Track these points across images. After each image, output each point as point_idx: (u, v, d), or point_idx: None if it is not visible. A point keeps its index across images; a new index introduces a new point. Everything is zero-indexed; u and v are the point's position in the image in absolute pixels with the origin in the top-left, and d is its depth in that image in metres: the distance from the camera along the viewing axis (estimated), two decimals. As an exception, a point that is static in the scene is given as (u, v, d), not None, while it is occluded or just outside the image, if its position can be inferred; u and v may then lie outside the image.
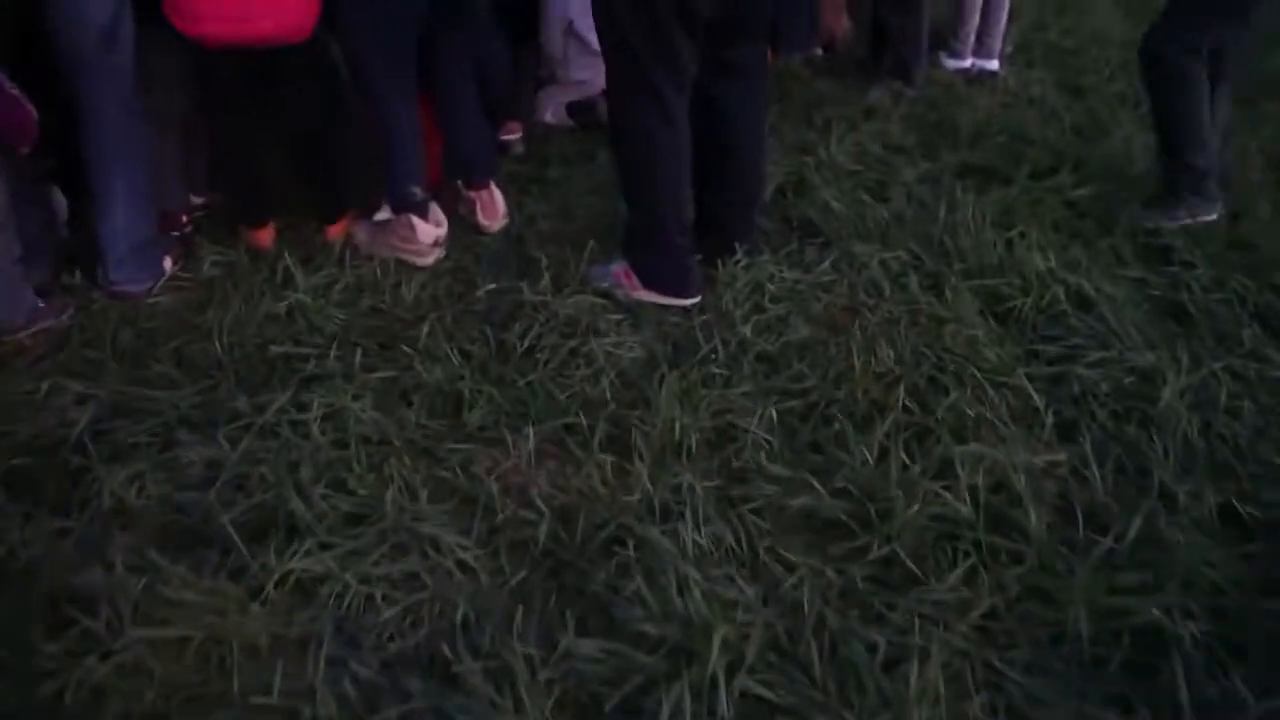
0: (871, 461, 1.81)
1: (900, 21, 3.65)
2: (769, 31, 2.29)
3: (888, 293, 2.40)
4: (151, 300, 2.36)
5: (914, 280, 2.44)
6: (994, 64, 4.08)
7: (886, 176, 3.03)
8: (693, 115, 2.25)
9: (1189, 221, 2.74)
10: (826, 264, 2.48)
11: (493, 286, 2.34)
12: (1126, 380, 2.11)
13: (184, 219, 2.64)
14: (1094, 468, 1.87)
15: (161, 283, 2.41)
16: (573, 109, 3.32)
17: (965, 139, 3.37)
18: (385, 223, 2.51)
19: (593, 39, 2.49)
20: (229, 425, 1.90)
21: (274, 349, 2.17)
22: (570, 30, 3.14)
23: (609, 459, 1.79)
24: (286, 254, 2.40)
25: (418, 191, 2.44)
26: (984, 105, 3.68)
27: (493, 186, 2.65)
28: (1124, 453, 1.92)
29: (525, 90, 3.29)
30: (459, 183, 2.67)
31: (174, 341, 2.22)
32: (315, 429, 1.87)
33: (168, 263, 2.46)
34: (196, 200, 2.72)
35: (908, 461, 1.80)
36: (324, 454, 1.80)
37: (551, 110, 3.34)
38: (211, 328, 2.24)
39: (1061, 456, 1.87)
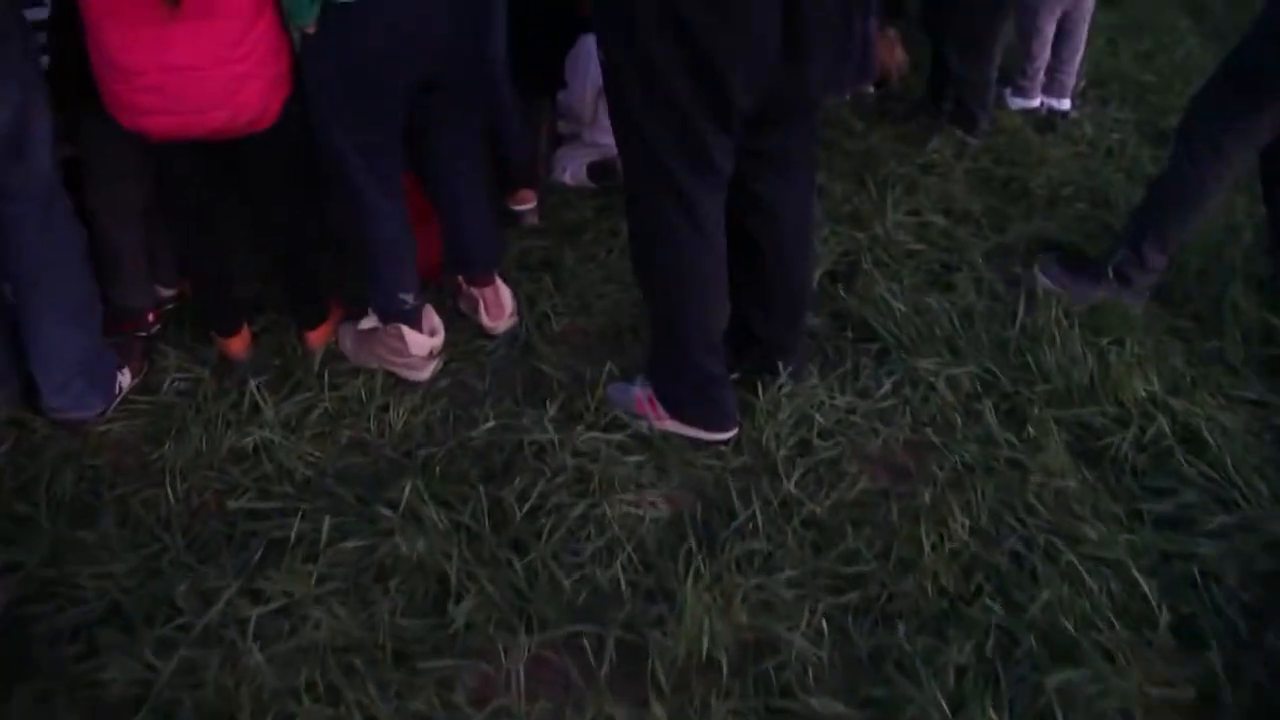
0: (946, 708, 1.44)
1: (966, 66, 3.23)
2: (817, 113, 1.90)
3: (959, 426, 2.02)
4: (102, 427, 2.05)
5: (989, 407, 2.06)
6: (1066, 103, 3.66)
7: (951, 256, 2.65)
8: (728, 213, 1.88)
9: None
10: (886, 386, 2.10)
11: (492, 424, 2.00)
12: (1258, 560, 1.73)
13: (150, 317, 2.33)
14: (1228, 695, 1.50)
15: (116, 403, 2.09)
16: (594, 170, 2.96)
17: (1039, 203, 2.97)
18: (373, 330, 2.17)
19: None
20: (165, 625, 1.58)
21: (232, 503, 1.85)
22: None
23: (620, 710, 1.44)
24: (254, 382, 2.07)
25: (407, 299, 2.10)
26: (1057, 158, 3.27)
27: (498, 282, 2.30)
28: (1264, 673, 1.54)
29: (542, 154, 2.94)
30: (459, 277, 2.32)
31: (120, 487, 1.90)
32: (267, 637, 1.54)
33: (126, 376, 2.14)
34: (166, 293, 2.41)
35: (994, 716, 1.42)
36: (270, 680, 1.47)
37: (570, 171, 2.98)
38: (165, 468, 1.93)
39: (1189, 694, 1.49)
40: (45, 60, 1.92)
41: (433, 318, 2.19)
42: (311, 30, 1.80)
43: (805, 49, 1.67)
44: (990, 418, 2.03)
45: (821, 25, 1.69)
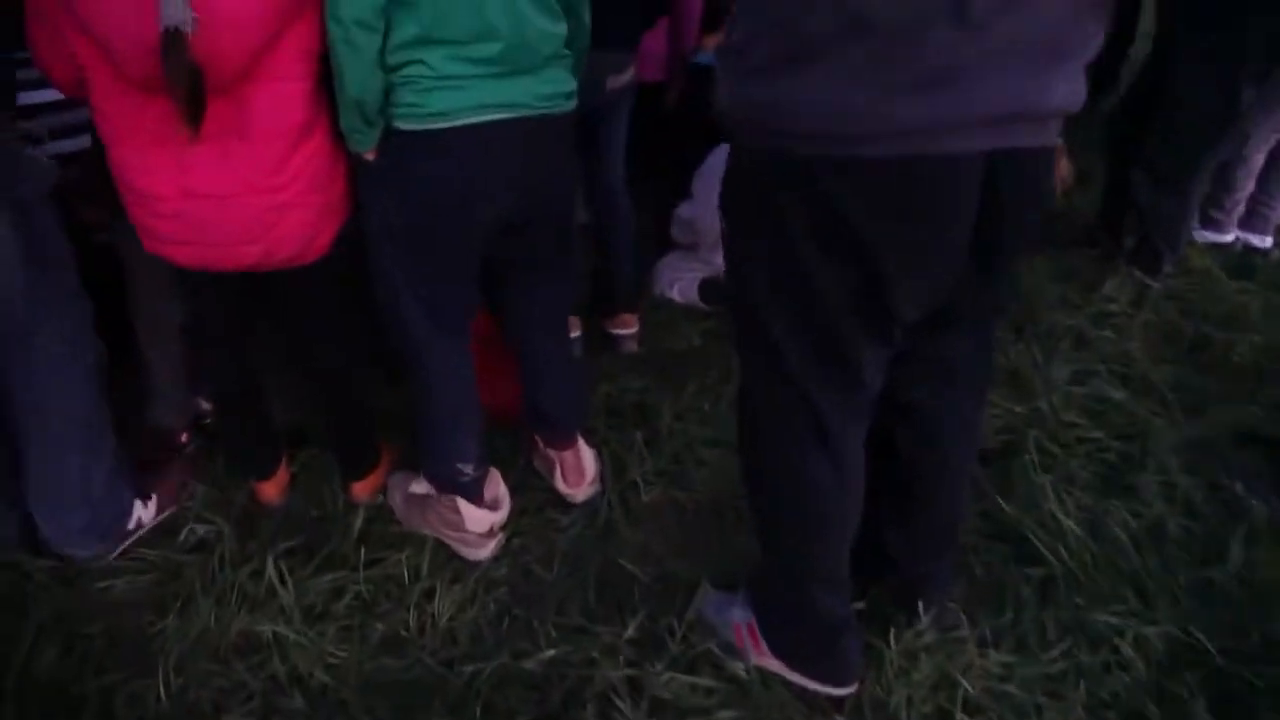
0: None
1: (1160, 197, 2.73)
2: (1003, 318, 1.46)
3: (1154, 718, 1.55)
4: (103, 582, 1.76)
5: (1195, 692, 1.57)
6: (1267, 240, 3.13)
7: (1133, 446, 2.16)
8: (873, 426, 1.45)
9: None
10: (1055, 649, 1.64)
11: (554, 651, 1.61)
12: None
13: (183, 437, 2.04)
14: None
15: (129, 543, 1.80)
16: (706, 290, 2.58)
17: (1241, 376, 2.46)
18: (426, 495, 1.82)
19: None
20: None
21: (229, 716, 1.51)
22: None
23: None
24: (276, 551, 1.74)
25: (465, 469, 1.74)
26: (1259, 312, 2.74)
27: (580, 443, 1.93)
28: None
29: (649, 272, 2.58)
30: (536, 436, 1.96)
31: (109, 672, 1.59)
32: None
33: (150, 508, 1.86)
34: (206, 406, 2.12)
35: None
36: None
37: (679, 288, 2.62)
38: (163, 650, 1.61)
39: None
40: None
41: (497, 487, 1.83)
42: (371, 157, 1.48)
43: (999, 249, 1.25)
44: (1198, 709, 1.55)
45: (1028, 208, 1.26)
